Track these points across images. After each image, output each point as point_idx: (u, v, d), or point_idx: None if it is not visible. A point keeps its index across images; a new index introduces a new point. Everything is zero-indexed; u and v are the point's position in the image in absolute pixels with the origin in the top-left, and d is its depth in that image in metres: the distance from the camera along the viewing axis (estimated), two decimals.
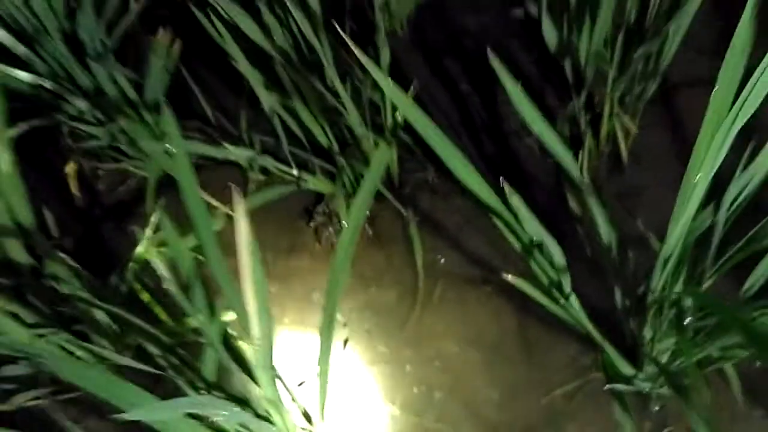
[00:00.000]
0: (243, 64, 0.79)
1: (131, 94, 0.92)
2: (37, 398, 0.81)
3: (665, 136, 0.85)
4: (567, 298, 0.65)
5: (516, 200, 0.57)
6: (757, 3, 0.48)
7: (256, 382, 0.56)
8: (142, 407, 0.49)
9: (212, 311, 0.55)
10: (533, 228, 0.59)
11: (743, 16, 0.46)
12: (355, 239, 0.63)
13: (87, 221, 0.95)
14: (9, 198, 0.76)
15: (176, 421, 0.54)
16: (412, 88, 0.70)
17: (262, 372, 0.54)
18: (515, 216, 0.59)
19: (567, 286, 0.64)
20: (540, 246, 0.61)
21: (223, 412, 0.53)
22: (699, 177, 0.51)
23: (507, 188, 0.57)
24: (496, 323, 0.84)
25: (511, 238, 0.63)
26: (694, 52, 0.79)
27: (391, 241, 0.92)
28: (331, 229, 0.94)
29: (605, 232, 0.69)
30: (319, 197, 0.96)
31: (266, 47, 0.77)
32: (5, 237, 0.73)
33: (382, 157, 0.63)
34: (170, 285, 0.53)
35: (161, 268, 0.53)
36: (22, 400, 0.79)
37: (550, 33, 0.73)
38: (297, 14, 0.71)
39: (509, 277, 0.72)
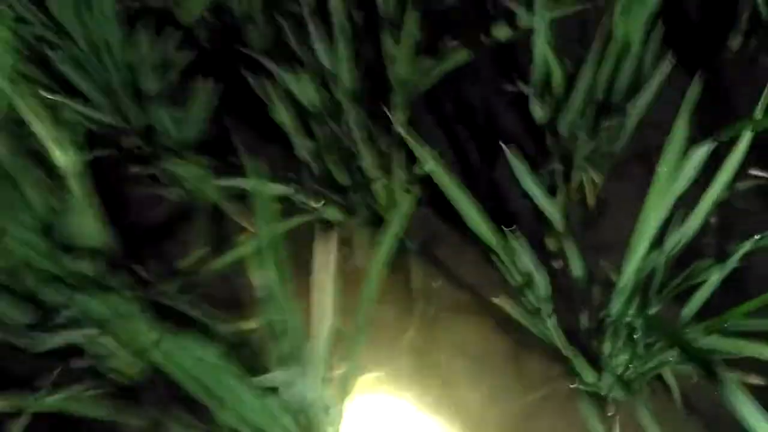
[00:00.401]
0: (285, 116, 0.95)
1: (176, 132, 1.08)
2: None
3: (626, 189, 1.04)
4: (547, 321, 0.82)
5: (517, 243, 0.74)
6: (694, 100, 0.66)
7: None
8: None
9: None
10: (526, 264, 0.76)
11: (680, 115, 0.65)
12: (379, 276, 0.79)
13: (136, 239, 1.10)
14: (83, 219, 0.91)
15: None
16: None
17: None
18: (512, 254, 0.76)
19: (548, 311, 0.82)
20: (530, 278, 0.78)
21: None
22: (646, 229, 0.69)
23: (510, 234, 0.75)
24: (480, 337, 1.01)
25: (507, 272, 0.81)
26: (651, 127, 0.98)
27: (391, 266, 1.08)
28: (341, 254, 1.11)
29: (575, 266, 0.86)
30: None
31: (305, 102, 0.94)
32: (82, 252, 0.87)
33: (406, 206, 0.79)
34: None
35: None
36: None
37: (535, 108, 0.92)
38: (334, 84, 0.88)
39: (499, 301, 0.89)
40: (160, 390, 0.85)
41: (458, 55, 1.09)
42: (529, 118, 0.96)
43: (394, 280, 1.07)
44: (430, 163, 0.73)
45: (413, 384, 0.99)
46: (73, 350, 0.90)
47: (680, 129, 0.63)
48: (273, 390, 0.68)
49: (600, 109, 0.91)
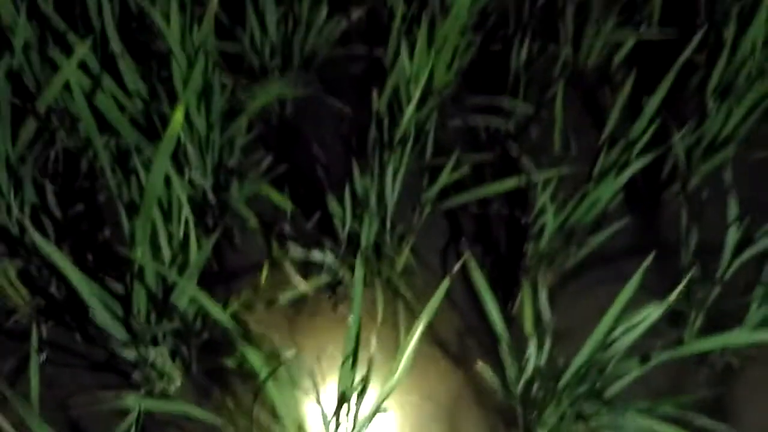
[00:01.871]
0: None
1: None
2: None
3: (579, 296, 1.40)
4: (515, 385, 1.15)
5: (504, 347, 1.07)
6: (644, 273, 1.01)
7: None
8: None
9: None
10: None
11: (629, 283, 1.00)
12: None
13: None
14: None
15: None
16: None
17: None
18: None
19: (516, 380, 1.15)
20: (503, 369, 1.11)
21: None
22: (588, 344, 1.04)
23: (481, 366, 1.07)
24: (449, 387, 1.33)
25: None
26: (599, 257, 1.34)
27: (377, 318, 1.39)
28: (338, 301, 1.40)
29: (532, 355, 1.20)
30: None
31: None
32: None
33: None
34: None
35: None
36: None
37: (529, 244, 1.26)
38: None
39: (479, 365, 1.22)
40: None
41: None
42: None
43: (381, 332, 1.37)
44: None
45: (390, 419, 1.30)
46: None
47: (627, 293, 0.98)
48: None
49: (567, 236, 1.26)
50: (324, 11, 1.47)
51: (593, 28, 1.58)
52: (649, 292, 1.31)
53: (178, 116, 0.91)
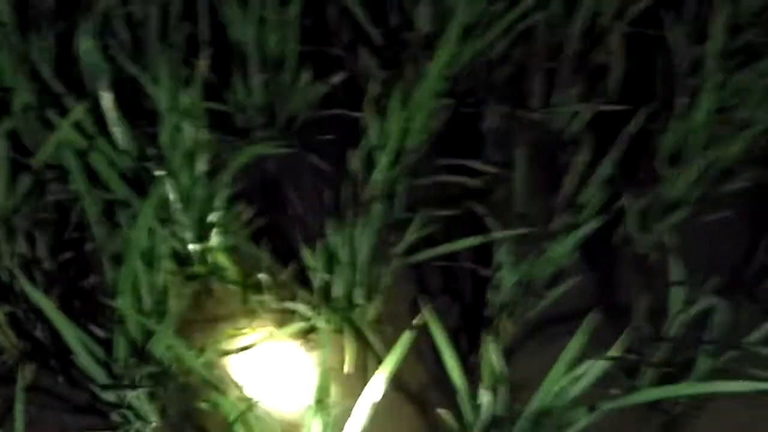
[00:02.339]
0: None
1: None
2: None
3: (539, 347, 1.47)
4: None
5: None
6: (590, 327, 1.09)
7: None
8: None
9: None
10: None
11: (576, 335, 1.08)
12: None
13: None
14: None
15: None
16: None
17: None
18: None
19: (474, 427, 1.21)
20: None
21: None
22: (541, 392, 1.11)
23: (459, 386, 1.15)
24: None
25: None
26: (558, 311, 1.42)
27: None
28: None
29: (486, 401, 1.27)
30: None
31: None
32: None
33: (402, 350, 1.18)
34: None
35: None
36: None
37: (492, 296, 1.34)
38: None
39: (441, 412, 1.28)
40: None
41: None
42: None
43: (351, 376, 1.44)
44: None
45: None
46: None
47: (572, 348, 1.06)
48: None
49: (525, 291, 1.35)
50: (306, 76, 1.58)
51: (560, 95, 1.69)
52: (606, 344, 1.39)
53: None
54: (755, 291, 1.53)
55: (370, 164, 1.45)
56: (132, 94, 1.50)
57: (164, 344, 1.17)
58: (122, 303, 1.11)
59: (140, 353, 1.21)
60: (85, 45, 1.34)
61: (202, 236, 1.39)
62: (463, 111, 1.71)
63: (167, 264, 1.21)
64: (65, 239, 1.40)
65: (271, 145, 1.56)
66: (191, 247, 1.38)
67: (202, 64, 1.36)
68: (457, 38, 1.44)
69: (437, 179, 1.58)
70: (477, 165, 1.60)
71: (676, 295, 1.25)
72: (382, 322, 1.44)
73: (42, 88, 1.35)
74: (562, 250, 1.28)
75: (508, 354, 1.41)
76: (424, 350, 1.41)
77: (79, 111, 1.25)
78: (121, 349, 1.16)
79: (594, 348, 1.18)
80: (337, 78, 1.63)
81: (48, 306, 1.11)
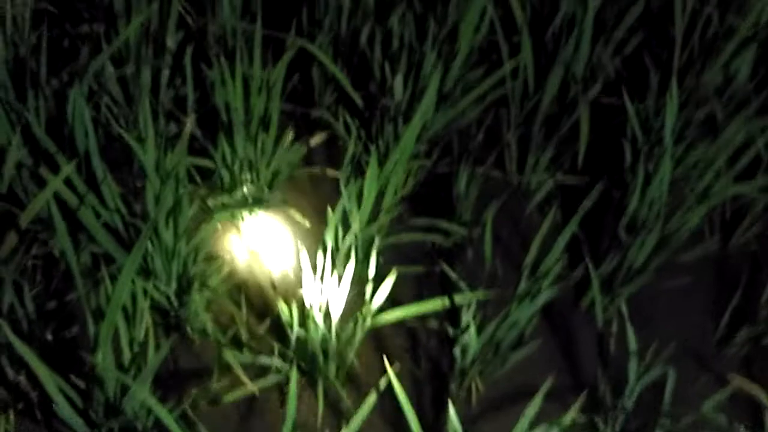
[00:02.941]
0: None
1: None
2: None
3: (504, 407, 1.53)
4: None
5: None
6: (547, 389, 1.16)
7: None
8: None
9: None
10: None
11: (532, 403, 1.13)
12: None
13: None
14: None
15: None
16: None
17: None
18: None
19: None
20: None
21: None
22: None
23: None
24: None
25: None
26: (523, 372, 1.48)
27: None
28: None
29: None
30: None
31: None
32: None
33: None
34: None
35: None
36: None
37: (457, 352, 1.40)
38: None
39: None
40: None
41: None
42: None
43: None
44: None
45: None
46: None
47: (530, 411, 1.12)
48: None
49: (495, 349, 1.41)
50: (289, 136, 1.65)
51: (533, 157, 1.77)
52: (568, 405, 1.45)
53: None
54: (715, 358, 1.59)
55: (346, 222, 1.52)
56: (123, 149, 1.57)
57: (139, 399, 1.22)
58: (100, 358, 1.16)
59: (118, 404, 1.26)
60: (77, 106, 1.41)
61: (183, 290, 1.45)
62: (438, 172, 1.79)
63: (147, 320, 1.27)
64: (51, 290, 1.46)
65: (254, 201, 1.63)
66: (172, 300, 1.44)
67: (189, 123, 1.43)
68: (431, 106, 1.53)
69: (410, 238, 1.65)
70: (447, 226, 1.68)
71: (633, 363, 1.31)
72: (355, 379, 1.50)
73: (33, 147, 1.42)
74: (525, 314, 1.34)
75: (475, 414, 1.47)
76: (391, 409, 1.46)
77: (68, 169, 1.31)
78: (98, 400, 1.21)
79: (557, 412, 1.25)
80: (319, 137, 1.71)
81: (31, 358, 1.16)
